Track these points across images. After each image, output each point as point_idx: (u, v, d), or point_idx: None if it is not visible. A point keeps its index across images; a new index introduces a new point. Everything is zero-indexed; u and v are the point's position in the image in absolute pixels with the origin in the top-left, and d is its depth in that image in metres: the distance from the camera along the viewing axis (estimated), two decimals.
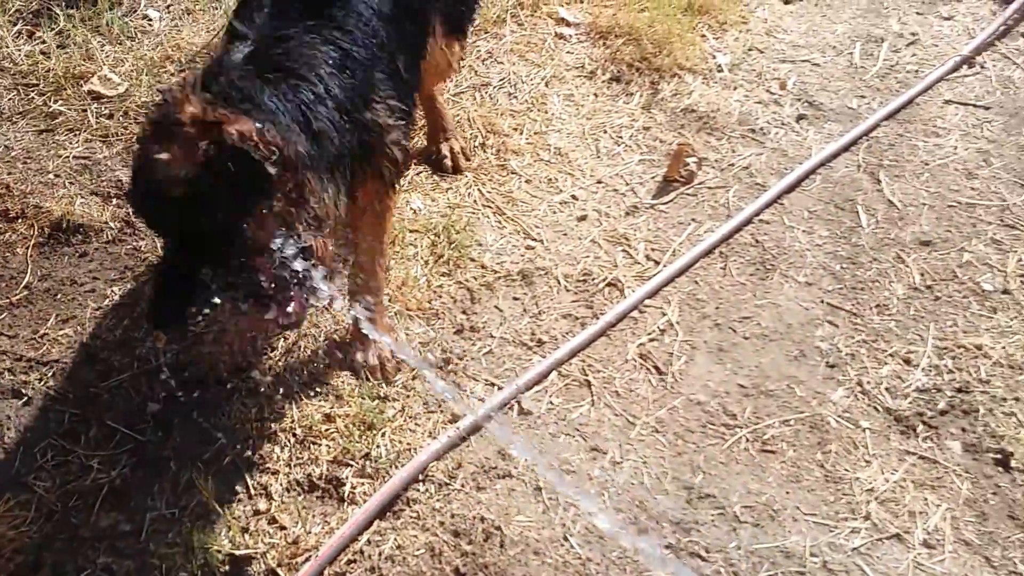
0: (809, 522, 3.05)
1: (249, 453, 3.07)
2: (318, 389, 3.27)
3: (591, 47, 4.67)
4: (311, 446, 3.09)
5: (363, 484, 3.02)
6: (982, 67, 4.74)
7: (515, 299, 3.66)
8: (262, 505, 2.94)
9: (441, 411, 3.25)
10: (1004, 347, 3.54)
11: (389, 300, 3.51)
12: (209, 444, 3.10)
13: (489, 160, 4.11)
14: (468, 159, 4.11)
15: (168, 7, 4.73)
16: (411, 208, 3.87)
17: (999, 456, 3.25)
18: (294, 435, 3.12)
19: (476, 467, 3.13)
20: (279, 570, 2.79)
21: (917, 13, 5.18)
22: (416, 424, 3.21)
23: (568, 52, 4.65)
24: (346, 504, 2.98)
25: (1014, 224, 4.00)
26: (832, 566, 2.97)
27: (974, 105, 4.59)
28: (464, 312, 3.59)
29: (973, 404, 3.38)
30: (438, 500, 3.02)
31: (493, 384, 3.39)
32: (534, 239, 3.86)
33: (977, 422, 3.34)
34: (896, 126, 4.46)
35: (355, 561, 2.84)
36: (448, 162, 4.06)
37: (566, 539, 2.97)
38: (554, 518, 3.02)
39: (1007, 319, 3.64)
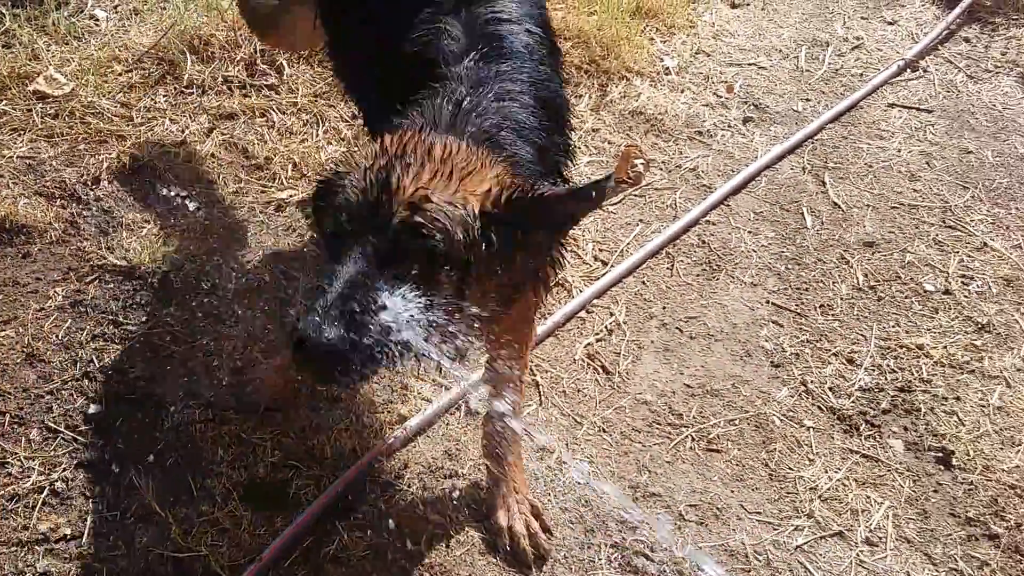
0: (753, 520, 3.07)
1: (192, 455, 3.00)
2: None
3: None
4: (256, 448, 3.04)
5: (308, 486, 2.97)
6: (925, 71, 4.82)
7: None
8: (205, 507, 2.88)
9: (388, 412, 3.22)
10: (945, 347, 3.59)
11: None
12: (151, 446, 3.03)
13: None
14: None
15: (116, 7, 4.64)
16: None
17: (940, 454, 3.29)
18: (239, 437, 3.06)
19: (423, 467, 3.10)
20: (222, 572, 2.73)
21: (862, 18, 5.25)
22: (362, 425, 3.17)
23: None
24: (290, 506, 2.92)
25: (955, 225, 4.05)
26: (776, 564, 2.98)
27: (917, 108, 4.65)
28: None
29: (915, 403, 3.42)
30: (384, 501, 2.98)
31: (441, 385, 3.36)
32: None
33: (919, 421, 3.37)
34: (841, 129, 4.51)
35: (299, 563, 2.79)
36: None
37: (510, 544, 2.94)
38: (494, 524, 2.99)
39: (948, 319, 3.68)
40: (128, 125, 4.00)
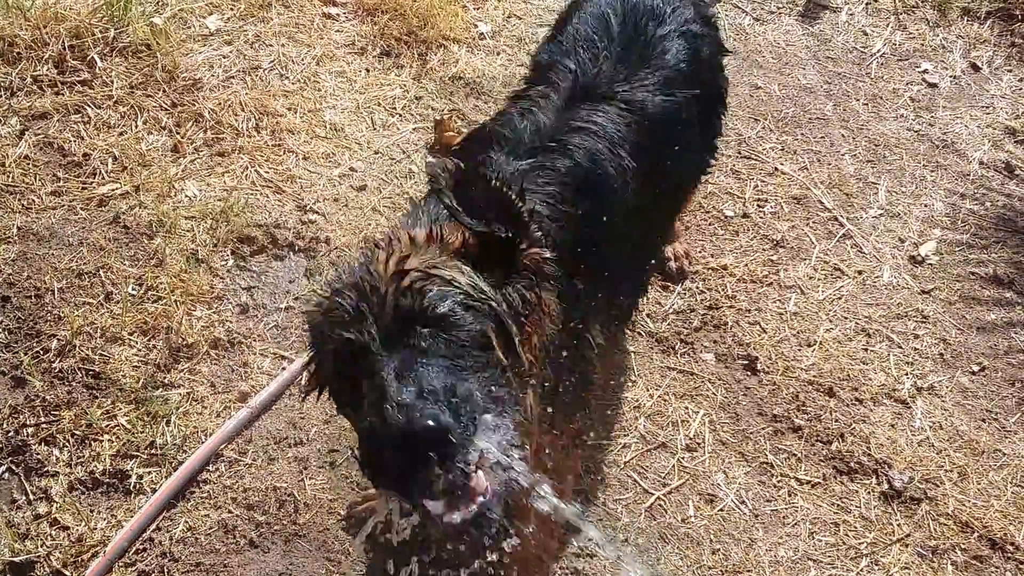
0: (586, 443, 3.07)
1: (25, 458, 2.78)
2: (100, 386, 3.01)
3: (359, 24, 4.48)
4: (92, 443, 2.84)
5: (150, 473, 2.80)
6: (715, 16, 4.87)
7: (301, 272, 3.48)
8: (42, 508, 2.68)
9: (228, 391, 3.06)
10: (746, 264, 3.67)
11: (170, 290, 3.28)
12: None
13: (264, 141, 3.88)
14: (692, 263, 3.62)
15: None
16: (186, 195, 3.60)
17: (747, 361, 3.37)
18: (73, 435, 2.85)
19: (267, 439, 2.97)
20: (65, 570, 2.56)
21: None
22: (203, 407, 3.01)
23: (337, 31, 4.44)
24: (133, 496, 2.75)
25: (750, 155, 4.14)
26: (609, 480, 3.00)
27: None
28: (248, 290, 3.38)
29: (722, 318, 3.49)
30: (229, 477, 2.85)
31: (283, 357, 3.22)
32: (315, 212, 3.68)
33: (727, 334, 3.45)
34: None
35: (145, 549, 2.64)
36: (673, 265, 3.57)
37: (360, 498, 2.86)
38: (349, 473, 2.91)
39: (747, 240, 3.77)
40: None
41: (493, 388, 1.82)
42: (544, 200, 2.30)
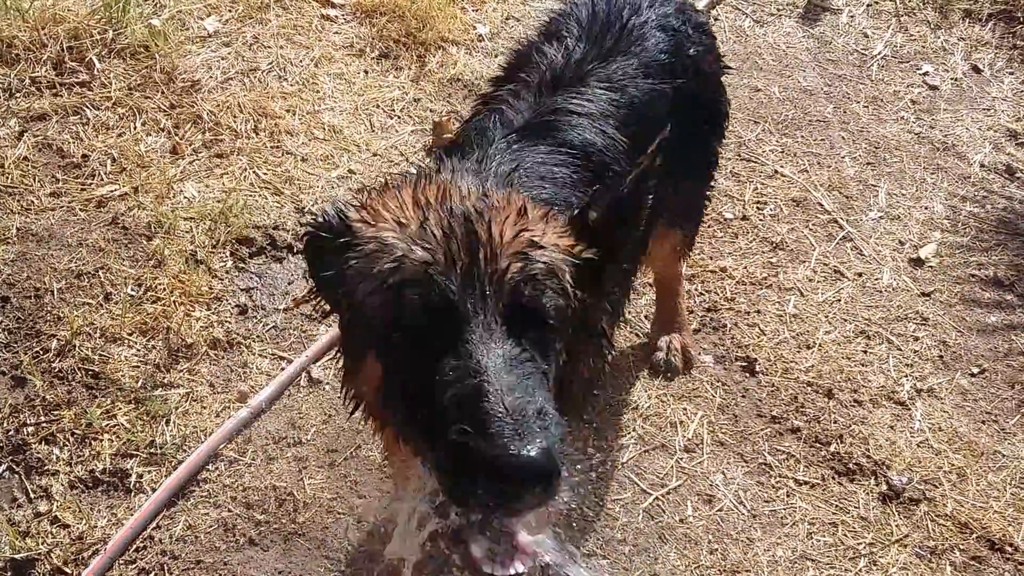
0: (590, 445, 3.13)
1: (25, 457, 2.85)
2: (100, 386, 3.08)
3: (358, 26, 4.56)
4: (92, 442, 2.91)
5: (149, 472, 2.87)
6: (716, 19, 4.96)
7: (299, 273, 3.55)
8: (43, 507, 2.75)
9: (227, 391, 3.13)
10: (745, 267, 3.74)
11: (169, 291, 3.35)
12: None
13: (263, 142, 3.95)
14: (688, 364, 3.41)
15: None
16: (185, 196, 3.68)
17: (745, 363, 3.44)
18: (73, 434, 2.92)
19: (267, 439, 3.03)
20: (65, 568, 2.62)
21: None
22: (202, 407, 3.08)
23: (336, 33, 4.53)
24: (133, 494, 2.82)
25: (749, 158, 4.22)
26: (607, 481, 3.07)
27: None
28: (247, 291, 3.45)
29: (721, 320, 3.56)
30: (228, 476, 2.91)
31: (282, 358, 3.29)
32: (314, 214, 3.74)
33: (725, 336, 3.52)
34: None
35: (145, 547, 2.71)
36: (661, 356, 3.37)
37: (358, 497, 2.93)
38: (347, 472, 2.97)
39: (746, 242, 3.84)
40: None
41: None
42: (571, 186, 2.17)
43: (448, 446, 1.49)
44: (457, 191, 1.77)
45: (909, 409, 3.37)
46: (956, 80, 4.60)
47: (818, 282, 3.72)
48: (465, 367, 1.52)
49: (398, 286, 1.61)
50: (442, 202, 1.71)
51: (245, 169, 3.84)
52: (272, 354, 3.29)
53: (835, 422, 3.29)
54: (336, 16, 4.60)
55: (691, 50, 2.73)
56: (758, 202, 4.01)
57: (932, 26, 4.86)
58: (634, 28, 2.59)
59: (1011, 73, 4.65)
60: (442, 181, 1.83)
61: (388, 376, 1.69)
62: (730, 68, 3.19)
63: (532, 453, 1.42)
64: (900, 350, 3.53)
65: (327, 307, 1.94)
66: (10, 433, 2.89)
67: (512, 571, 1.54)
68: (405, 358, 1.62)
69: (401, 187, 1.79)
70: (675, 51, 2.66)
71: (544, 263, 1.67)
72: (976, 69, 4.66)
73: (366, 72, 4.39)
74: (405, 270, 1.61)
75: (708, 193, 3.18)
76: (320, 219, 1.79)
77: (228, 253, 3.53)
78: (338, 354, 1.99)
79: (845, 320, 3.60)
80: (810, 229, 3.90)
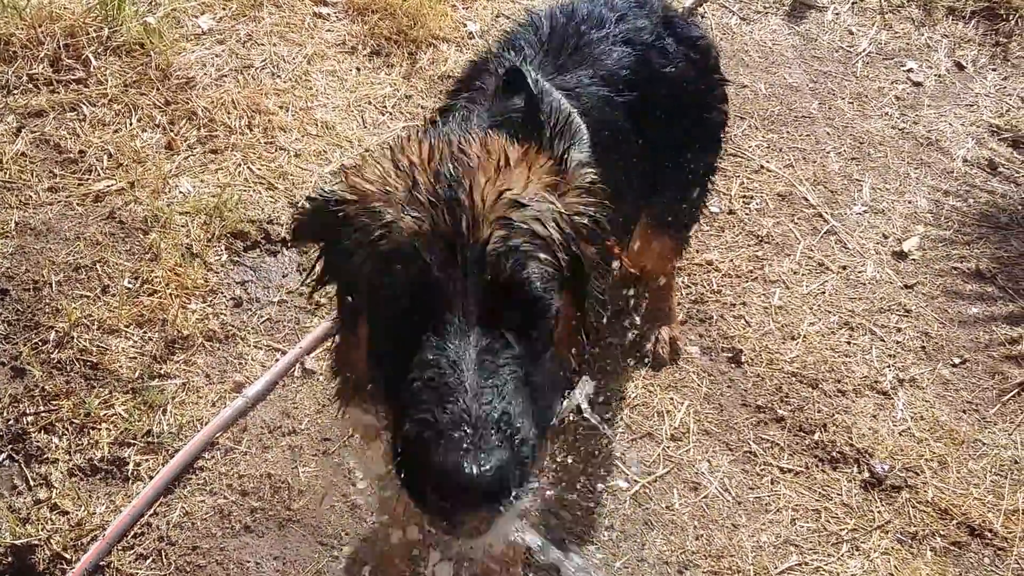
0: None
1: (25, 446, 2.92)
2: (98, 376, 3.15)
3: (350, 24, 4.64)
4: (90, 431, 2.98)
5: (147, 461, 2.94)
6: (703, 16, 5.04)
7: (293, 267, 3.63)
8: (42, 494, 2.82)
9: (223, 382, 3.20)
10: (731, 260, 3.83)
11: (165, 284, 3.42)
12: None
13: (257, 138, 4.03)
14: (676, 355, 3.48)
15: None
16: (180, 191, 3.75)
17: (731, 354, 3.53)
18: (71, 423, 2.99)
19: (262, 428, 3.11)
20: (65, 553, 2.70)
21: None
22: (198, 397, 3.15)
23: (328, 30, 4.60)
24: (131, 482, 2.90)
25: (736, 153, 4.30)
26: (594, 468, 3.15)
27: None
28: (242, 284, 3.53)
29: (708, 312, 3.64)
30: (224, 465, 2.99)
31: (276, 349, 3.37)
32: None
33: (712, 327, 3.60)
34: None
35: (143, 534, 2.78)
36: (651, 347, 3.46)
37: (353, 484, 3.01)
38: (340, 460, 3.05)
39: (733, 236, 3.93)
40: None
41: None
42: None
43: (406, 436, 1.48)
44: (438, 149, 1.75)
45: (892, 399, 3.46)
46: (940, 76, 4.70)
47: (803, 275, 3.80)
48: (435, 359, 1.51)
49: (387, 256, 1.62)
50: (429, 162, 1.71)
51: (239, 164, 3.91)
52: (267, 345, 3.36)
53: (819, 411, 3.38)
54: (328, 14, 4.68)
55: (667, 67, 2.73)
56: (744, 196, 4.10)
57: (916, 23, 4.96)
58: (592, 42, 2.61)
59: (994, 70, 4.74)
60: (417, 141, 1.82)
61: (372, 340, 1.71)
62: (727, 81, 3.25)
63: (481, 470, 1.37)
64: (883, 341, 3.62)
65: (327, 285, 1.95)
66: (10, 422, 2.96)
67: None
68: (388, 327, 1.64)
69: (379, 159, 1.80)
70: (641, 65, 2.66)
71: (526, 227, 1.64)
72: (959, 66, 4.76)
73: (358, 69, 4.47)
74: (393, 239, 1.62)
75: (698, 201, 3.23)
76: (318, 196, 1.82)
77: (223, 247, 3.60)
78: (333, 341, 2.04)
79: (829, 312, 3.69)
80: (795, 223, 3.99)
